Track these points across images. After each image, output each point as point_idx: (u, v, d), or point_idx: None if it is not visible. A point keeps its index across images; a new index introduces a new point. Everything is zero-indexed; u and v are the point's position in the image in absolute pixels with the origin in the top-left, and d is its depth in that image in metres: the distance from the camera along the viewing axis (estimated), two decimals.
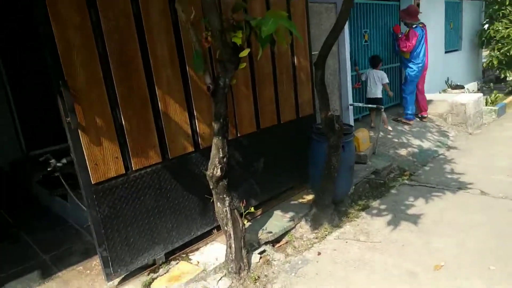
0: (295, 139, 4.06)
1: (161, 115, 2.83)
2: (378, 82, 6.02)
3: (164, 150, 2.91)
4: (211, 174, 2.71)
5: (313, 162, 3.90)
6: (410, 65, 6.40)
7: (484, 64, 9.71)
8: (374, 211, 3.82)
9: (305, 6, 4.01)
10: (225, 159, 2.71)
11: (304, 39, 4.05)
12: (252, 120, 3.56)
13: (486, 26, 9.03)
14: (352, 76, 6.20)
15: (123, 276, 2.79)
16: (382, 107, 5.30)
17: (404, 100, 6.55)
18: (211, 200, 2.90)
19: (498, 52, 8.52)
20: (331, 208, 3.61)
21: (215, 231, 3.33)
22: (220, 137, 2.68)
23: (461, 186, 4.22)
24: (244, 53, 2.52)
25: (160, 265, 2.96)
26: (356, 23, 6.25)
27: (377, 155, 5.10)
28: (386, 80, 6.04)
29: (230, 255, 2.87)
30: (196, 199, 3.16)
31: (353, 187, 4.22)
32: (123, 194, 2.67)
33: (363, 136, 4.94)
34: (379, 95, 6.08)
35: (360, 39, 6.49)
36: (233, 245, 2.85)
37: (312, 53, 4.17)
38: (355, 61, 6.20)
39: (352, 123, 5.60)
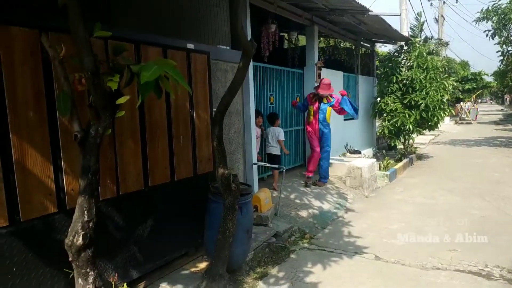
0: (191, 198, 3.72)
1: (15, 166, 2.29)
2: (275, 138, 6.11)
3: (15, 211, 2.33)
4: (70, 243, 2.19)
5: (209, 225, 3.55)
6: (329, 131, 6.66)
7: (378, 133, 10.74)
8: (272, 280, 3.53)
9: (207, 61, 3.92)
10: (91, 224, 2.23)
11: (205, 94, 3.90)
12: (139, 177, 3.14)
13: (378, 99, 10.11)
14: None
15: None
16: (283, 167, 5.29)
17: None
18: (71, 276, 2.33)
19: (388, 123, 9.50)
20: (225, 279, 3.23)
21: None
22: (86, 196, 2.22)
23: (357, 251, 4.21)
24: (122, 100, 2.21)
25: None
26: (262, 85, 6.42)
27: (279, 217, 4.96)
28: (281, 137, 6.12)
29: None
30: (58, 273, 2.54)
31: (253, 252, 3.93)
32: None
33: (265, 196, 4.79)
34: (276, 152, 6.13)
35: (266, 101, 6.66)
36: None
37: (215, 109, 4.03)
38: (263, 121, 6.27)
39: (256, 182, 5.47)
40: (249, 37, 5.24)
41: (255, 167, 5.39)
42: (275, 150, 6.14)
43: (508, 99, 46.27)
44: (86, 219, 2.21)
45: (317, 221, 5.20)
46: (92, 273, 2.27)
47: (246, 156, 5.28)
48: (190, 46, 3.86)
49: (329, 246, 4.40)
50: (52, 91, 2.48)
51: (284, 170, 5.26)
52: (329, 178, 6.95)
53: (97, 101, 2.16)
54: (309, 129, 6.64)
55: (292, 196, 5.83)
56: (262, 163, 5.58)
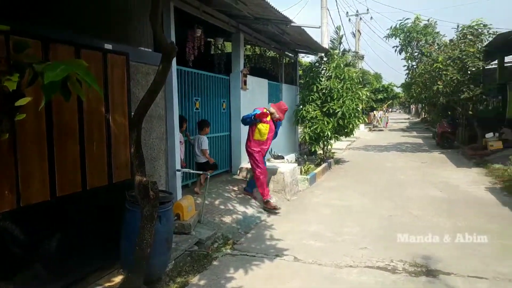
0: (106, 208, 3.49)
1: None
2: (199, 147, 6.15)
3: None
4: None
5: (126, 236, 3.37)
6: None
7: (300, 139, 11.23)
8: None
9: (126, 63, 3.74)
10: None
11: (123, 97, 3.72)
12: (44, 186, 2.87)
13: (300, 107, 10.58)
14: (185, 141, 6.17)
15: None
16: (208, 173, 5.26)
17: None
18: None
19: (309, 130, 9.98)
20: None
21: None
22: None
23: (278, 253, 4.33)
24: (23, 101, 2.00)
25: None
26: (187, 90, 6.33)
27: (203, 224, 4.90)
28: (204, 147, 6.13)
29: None
30: None
31: (173, 261, 3.82)
32: None
33: (188, 204, 4.69)
34: (202, 160, 6.17)
35: (192, 106, 6.58)
36: None
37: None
38: (187, 127, 6.18)
39: (179, 189, 5.35)
40: (172, 40, 5.14)
41: (178, 174, 5.27)
42: (201, 158, 6.16)
43: (413, 109, 51.74)
44: None
45: (241, 226, 5.24)
46: None
47: (169, 163, 5.14)
48: (108, 46, 3.65)
49: (251, 250, 4.46)
50: None
51: (209, 176, 5.22)
52: None
53: None
54: (258, 148, 6.13)
55: (217, 202, 5.81)
56: (186, 170, 5.49)
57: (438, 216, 5.70)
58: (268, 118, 6.12)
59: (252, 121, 6.01)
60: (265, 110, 6.06)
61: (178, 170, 5.23)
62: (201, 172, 5.50)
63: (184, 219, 4.53)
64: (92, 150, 3.32)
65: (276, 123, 6.29)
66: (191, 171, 5.53)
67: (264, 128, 6.11)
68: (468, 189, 7.50)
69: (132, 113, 3.76)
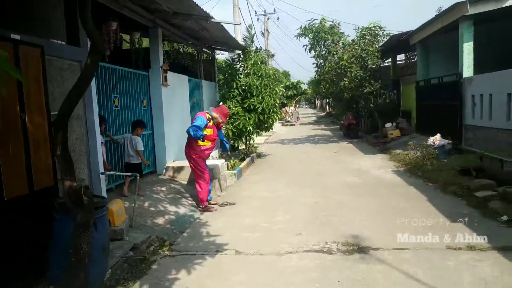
0: (27, 220, 3.09)
1: None
2: (133, 148, 5.89)
3: None
4: None
5: (56, 248, 3.04)
6: None
7: None
8: None
9: (42, 56, 3.34)
10: None
11: (39, 94, 3.33)
12: None
13: (221, 104, 10.57)
14: (106, 141, 5.73)
15: None
16: (137, 174, 4.97)
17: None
18: None
19: (232, 126, 10.06)
20: None
21: None
22: None
23: (218, 249, 4.30)
24: None
25: None
26: (105, 87, 5.89)
27: (135, 228, 4.62)
28: (140, 148, 5.91)
29: None
30: None
31: (110, 270, 3.54)
32: None
33: (117, 208, 4.38)
34: (135, 161, 5.91)
35: (110, 104, 6.14)
36: None
37: (52, 113, 3.46)
38: (106, 127, 5.76)
39: (104, 194, 4.96)
40: None
41: (102, 177, 4.88)
42: (134, 159, 5.88)
43: (319, 104, 55.49)
44: None
45: (175, 226, 5.08)
46: None
47: (91, 166, 4.73)
48: (15, 36, 3.21)
49: (190, 249, 4.36)
50: None
51: (138, 178, 4.94)
52: (180, 180, 6.91)
53: None
54: (201, 153, 5.97)
55: (146, 204, 5.53)
56: (111, 172, 5.12)
57: (357, 198, 6.23)
58: (211, 123, 6.02)
59: (199, 135, 5.78)
60: (207, 115, 6.01)
61: (102, 173, 4.85)
62: (129, 174, 5.17)
63: (115, 225, 4.22)
64: (7, 155, 2.90)
65: (219, 129, 6.22)
66: (117, 173, 5.17)
67: (208, 134, 5.99)
68: (378, 173, 8.33)
69: (52, 112, 3.39)
